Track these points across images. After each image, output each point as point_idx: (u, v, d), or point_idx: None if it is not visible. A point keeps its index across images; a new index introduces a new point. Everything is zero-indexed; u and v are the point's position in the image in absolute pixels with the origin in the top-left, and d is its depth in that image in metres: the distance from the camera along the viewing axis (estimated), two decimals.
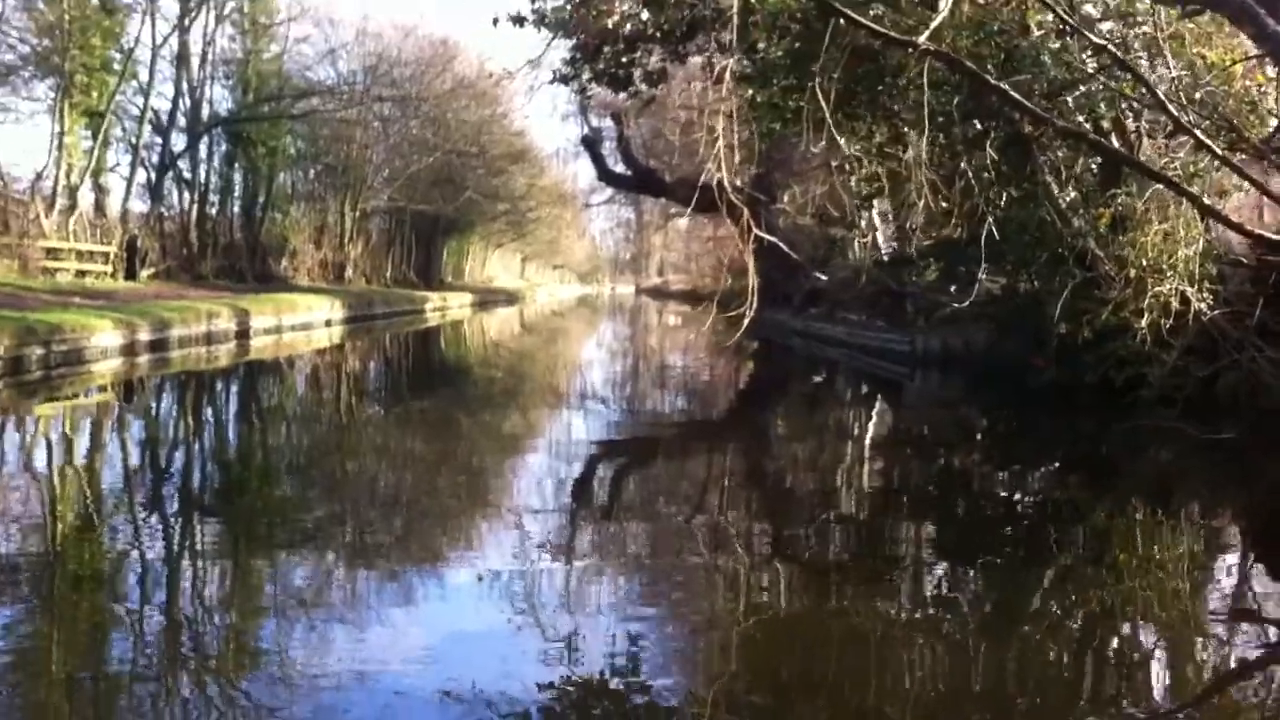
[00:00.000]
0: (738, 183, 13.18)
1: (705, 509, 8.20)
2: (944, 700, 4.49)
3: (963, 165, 13.38)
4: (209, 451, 10.91)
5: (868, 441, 12.57)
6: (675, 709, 4.23)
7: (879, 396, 17.25)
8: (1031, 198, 13.50)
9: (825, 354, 25.06)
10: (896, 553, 7.15)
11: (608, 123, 40.42)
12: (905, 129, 13.49)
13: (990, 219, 12.96)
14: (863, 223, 30.03)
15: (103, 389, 14.82)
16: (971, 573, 6.50)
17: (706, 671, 4.75)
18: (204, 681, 4.31)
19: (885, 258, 29.90)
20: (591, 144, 40.71)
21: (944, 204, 15.66)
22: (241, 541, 6.76)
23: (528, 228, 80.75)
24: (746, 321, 10.55)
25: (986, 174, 12.73)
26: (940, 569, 6.68)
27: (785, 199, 40.13)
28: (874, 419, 14.77)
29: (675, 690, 4.45)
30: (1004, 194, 13.34)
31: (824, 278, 31.40)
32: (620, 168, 41.84)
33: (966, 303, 14.48)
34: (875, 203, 29.48)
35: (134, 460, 9.72)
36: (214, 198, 38.16)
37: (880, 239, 29.99)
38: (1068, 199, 14.22)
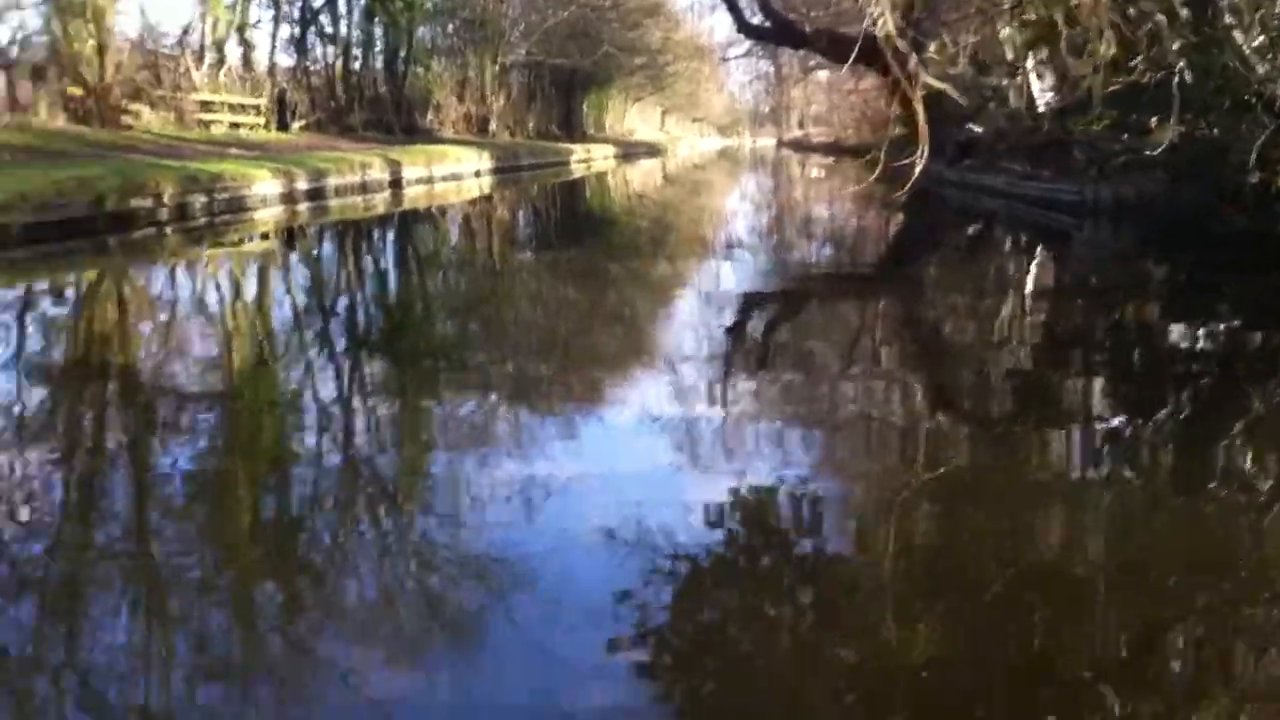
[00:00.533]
0: (891, 30, 12.42)
1: (858, 362, 7.67)
2: (1122, 558, 4.08)
3: (1137, 8, 12.39)
4: (372, 295, 10.82)
5: (1031, 291, 11.96)
6: (841, 562, 4.01)
7: (1043, 246, 16.42)
8: (1213, 43, 12.43)
9: (983, 205, 24.04)
10: (1070, 408, 6.44)
11: None
12: None
13: (1170, 65, 11.95)
14: (1019, 73, 28.58)
15: (265, 236, 14.95)
16: (1151, 430, 5.95)
17: (864, 529, 4.39)
18: (378, 518, 4.27)
19: (1044, 107, 28.49)
20: None
21: (1114, 50, 14.68)
22: (409, 381, 6.73)
23: (666, 81, 79.85)
24: (917, 171, 9.83)
25: (1163, 17, 11.73)
26: (1120, 427, 6.11)
27: (933, 49, 38.48)
28: (1039, 268, 14.10)
29: (835, 551, 4.17)
30: (1181, 40, 12.27)
31: (979, 128, 30.10)
32: (758, 19, 40.42)
33: (1151, 151, 13.52)
34: (1032, 52, 28.10)
35: (300, 303, 9.74)
36: (356, 52, 38.07)
37: (1038, 88, 28.53)
38: (1254, 44, 13.06)
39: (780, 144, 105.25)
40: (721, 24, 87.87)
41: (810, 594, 3.74)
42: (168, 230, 13.86)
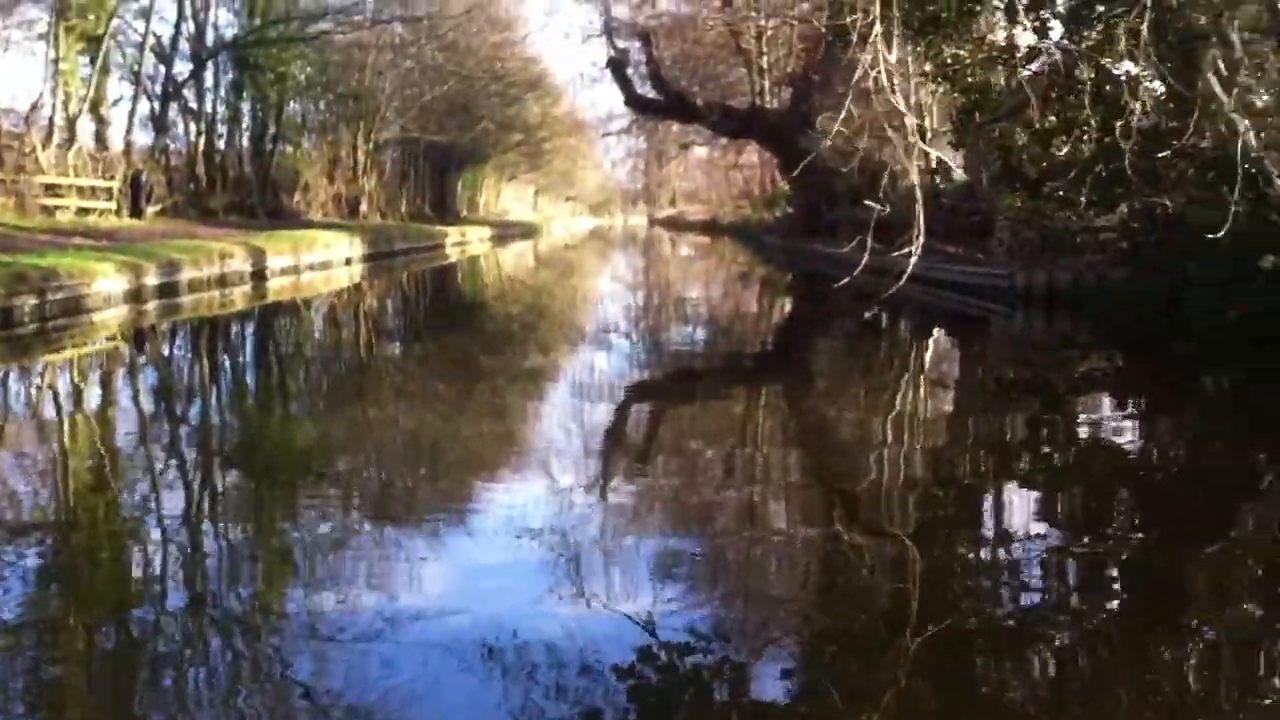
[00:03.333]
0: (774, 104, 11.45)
1: (736, 468, 7.01)
2: None
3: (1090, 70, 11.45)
4: (225, 404, 9.45)
5: (950, 390, 10.87)
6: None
7: (962, 339, 15.41)
8: (1194, 106, 11.37)
9: (888, 288, 23.26)
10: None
11: (634, 44, 38.23)
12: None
13: (1130, 136, 10.79)
14: (927, 147, 28.01)
15: (105, 340, 13.09)
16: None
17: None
18: (231, 647, 4.04)
19: (947, 185, 27.94)
20: (618, 66, 38.30)
21: (1057, 119, 13.80)
22: (264, 494, 6.32)
23: (543, 159, 79.39)
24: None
25: (1128, 79, 10.74)
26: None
27: (818, 125, 38.17)
28: (961, 362, 13.05)
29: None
30: (1149, 102, 11.24)
31: (881, 207, 29.46)
32: (649, 92, 39.73)
33: (1102, 230, 12.53)
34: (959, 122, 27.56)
35: (124, 428, 8.05)
36: (221, 129, 36.13)
37: (951, 163, 27.98)
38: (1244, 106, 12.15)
39: (653, 222, 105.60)
40: (604, 98, 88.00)
41: None
42: None
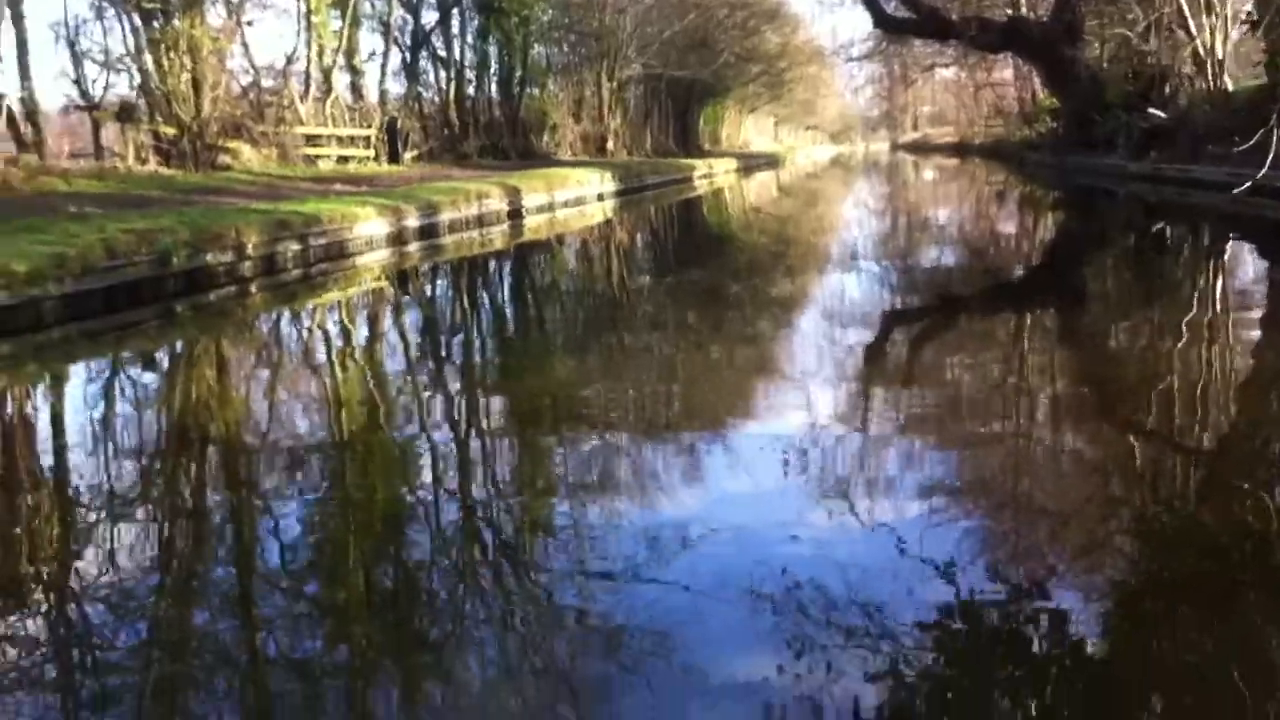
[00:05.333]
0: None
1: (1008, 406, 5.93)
2: None
3: None
4: (487, 338, 8.71)
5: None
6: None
7: None
8: None
9: (1188, 199, 20.78)
10: None
11: None
12: None
13: None
14: (1199, 48, 25.03)
15: (370, 282, 12.61)
16: None
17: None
18: (497, 562, 3.88)
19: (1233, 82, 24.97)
20: None
21: None
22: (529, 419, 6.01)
23: (783, 89, 78.08)
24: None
25: None
26: None
27: (1098, 26, 35.04)
28: None
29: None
30: None
31: (1162, 114, 26.61)
32: (899, 11, 37.40)
33: None
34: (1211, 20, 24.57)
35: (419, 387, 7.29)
36: (470, 75, 36.26)
37: (1227, 64, 24.97)
38: None
39: (895, 147, 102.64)
40: (845, 24, 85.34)
41: None
42: (252, 287, 11.54)
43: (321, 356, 8.37)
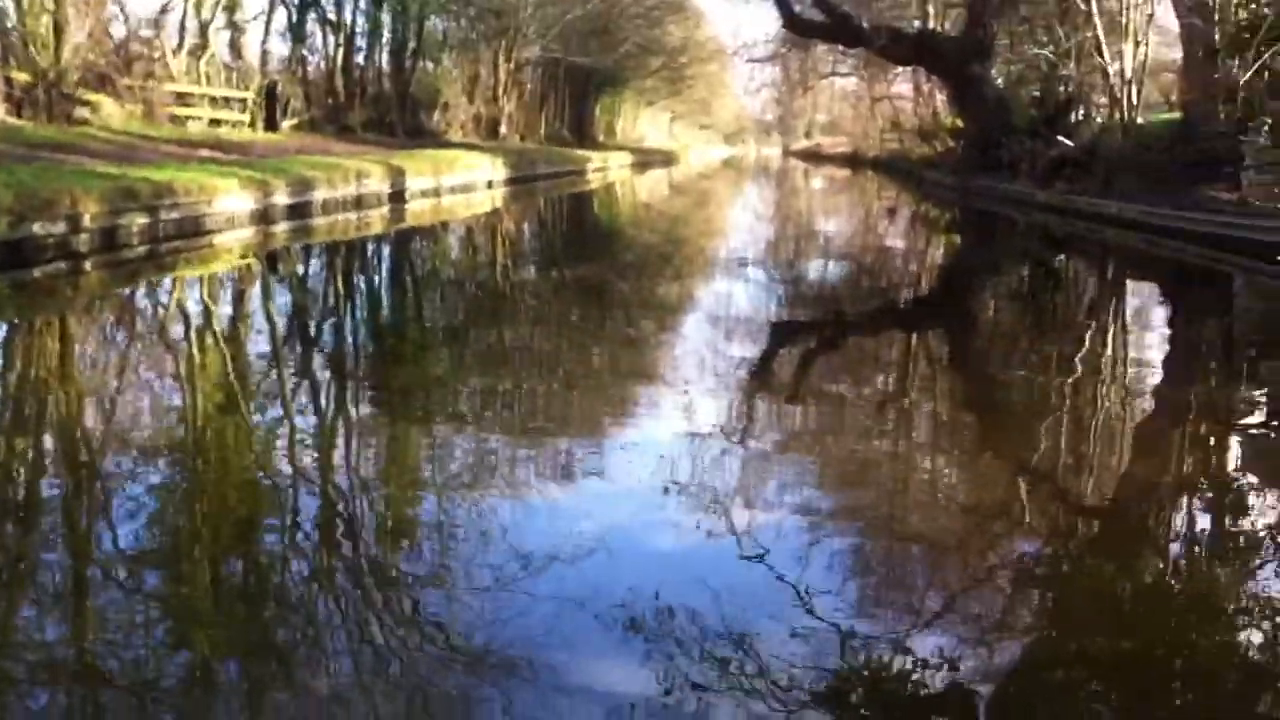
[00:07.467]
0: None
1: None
2: None
3: None
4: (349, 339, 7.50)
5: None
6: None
7: (1200, 298, 12.55)
8: None
9: (1100, 235, 20.31)
10: None
11: None
12: None
13: None
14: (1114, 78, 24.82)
15: (220, 266, 11.27)
16: None
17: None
18: (359, 562, 3.62)
19: (1150, 122, 24.88)
20: None
21: None
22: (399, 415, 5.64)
23: (682, 84, 77.76)
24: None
25: None
26: None
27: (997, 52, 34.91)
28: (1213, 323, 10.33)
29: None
30: None
31: (1070, 143, 26.39)
32: (809, 13, 36.79)
33: None
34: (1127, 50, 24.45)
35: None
36: (360, 42, 34.44)
37: (1134, 95, 24.81)
38: None
39: (787, 153, 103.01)
40: (749, 23, 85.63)
41: None
42: (87, 264, 10.14)
43: (160, 349, 7.12)
